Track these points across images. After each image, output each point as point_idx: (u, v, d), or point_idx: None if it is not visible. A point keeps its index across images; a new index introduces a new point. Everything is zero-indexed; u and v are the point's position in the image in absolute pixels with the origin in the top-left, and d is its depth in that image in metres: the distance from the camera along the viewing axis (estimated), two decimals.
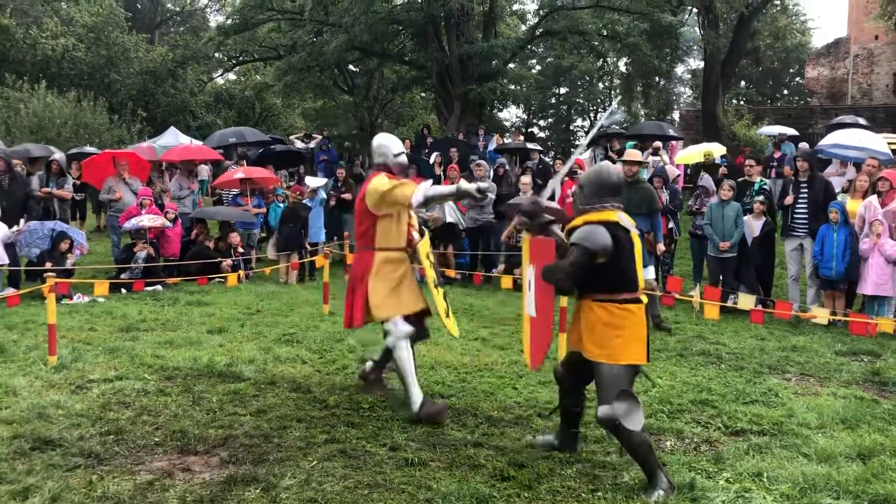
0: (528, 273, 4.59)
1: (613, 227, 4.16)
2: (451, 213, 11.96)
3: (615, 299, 4.14)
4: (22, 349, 6.73)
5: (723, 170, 11.85)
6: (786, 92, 45.51)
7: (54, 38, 27.43)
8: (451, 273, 11.21)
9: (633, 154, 9.29)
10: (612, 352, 4.08)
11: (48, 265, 9.17)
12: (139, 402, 5.32)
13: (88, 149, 17.35)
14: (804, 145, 14.64)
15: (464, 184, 5.34)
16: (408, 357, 5.29)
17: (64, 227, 10.57)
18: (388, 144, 5.58)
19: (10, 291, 8.93)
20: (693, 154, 16.33)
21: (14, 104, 21.38)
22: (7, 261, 9.58)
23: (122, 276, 10.52)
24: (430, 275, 5.57)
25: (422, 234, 5.81)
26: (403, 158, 5.60)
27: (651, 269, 8.72)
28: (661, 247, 9.07)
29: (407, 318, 5.37)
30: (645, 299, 4.24)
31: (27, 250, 9.99)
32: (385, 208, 5.35)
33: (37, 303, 8.64)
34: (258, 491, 3.91)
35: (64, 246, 9.97)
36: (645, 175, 12.99)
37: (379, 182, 5.32)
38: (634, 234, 4.27)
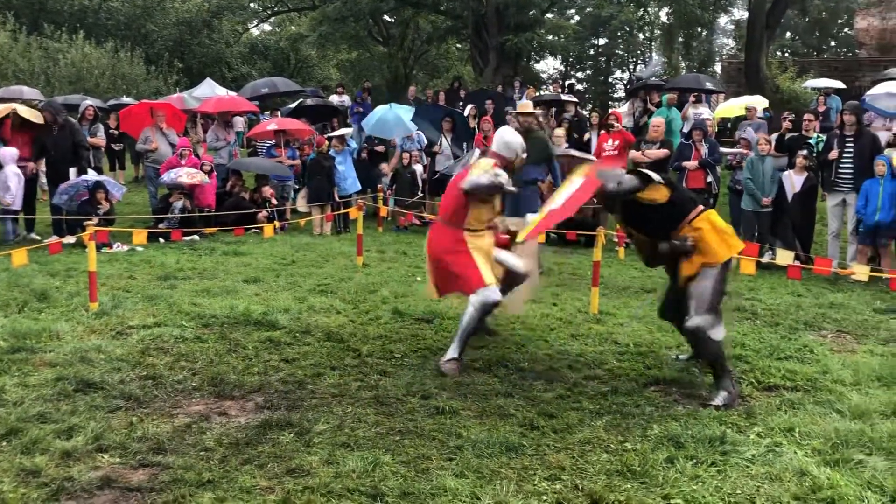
0: (573, 183, 4.97)
1: None
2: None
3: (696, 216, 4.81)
4: (64, 295, 6.90)
5: (786, 124, 11.48)
6: (833, 43, 44.01)
7: None
8: None
9: (525, 106, 9.20)
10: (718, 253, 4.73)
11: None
12: (177, 349, 5.44)
13: (126, 100, 17.52)
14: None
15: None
16: (476, 320, 5.32)
17: (99, 177, 10.66)
18: (520, 143, 5.66)
19: (54, 239, 9.14)
20: (734, 107, 15.98)
21: (53, 54, 21.55)
22: (19, 207, 9.88)
23: (160, 225, 10.70)
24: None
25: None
26: (522, 160, 5.76)
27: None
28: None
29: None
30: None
31: (70, 204, 10.14)
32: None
33: (78, 251, 8.82)
34: (292, 435, 3.99)
35: (101, 196, 10.14)
36: (685, 128, 12.78)
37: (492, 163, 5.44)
38: None
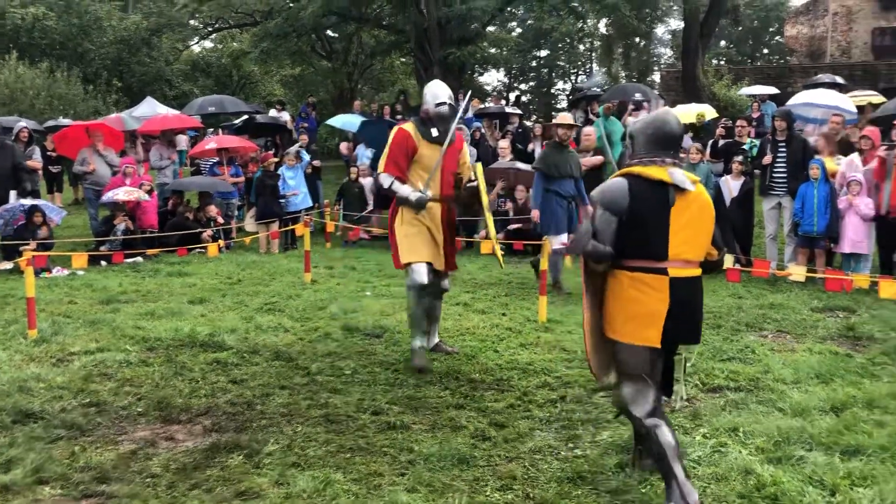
0: None
1: (650, 183, 3.51)
2: None
3: (625, 266, 3.54)
4: (1, 324, 6.69)
5: (720, 130, 11.76)
6: (765, 51, 45.40)
7: (24, 7, 26.79)
8: None
9: (565, 118, 9.13)
10: (614, 326, 3.58)
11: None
12: (121, 374, 5.32)
13: (64, 121, 17.12)
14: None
15: (412, 194, 5.51)
16: (415, 304, 5.59)
17: (36, 201, 10.40)
18: (435, 92, 5.71)
19: None
20: (686, 114, 16.28)
21: None
22: None
23: (102, 248, 10.45)
24: (485, 200, 5.83)
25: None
26: (444, 109, 5.64)
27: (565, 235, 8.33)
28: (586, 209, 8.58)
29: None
30: (674, 273, 3.49)
31: (5, 229, 9.86)
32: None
33: (15, 277, 8.57)
34: (241, 457, 3.94)
35: (37, 219, 9.86)
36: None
37: (390, 138, 5.63)
38: (690, 193, 3.53)
